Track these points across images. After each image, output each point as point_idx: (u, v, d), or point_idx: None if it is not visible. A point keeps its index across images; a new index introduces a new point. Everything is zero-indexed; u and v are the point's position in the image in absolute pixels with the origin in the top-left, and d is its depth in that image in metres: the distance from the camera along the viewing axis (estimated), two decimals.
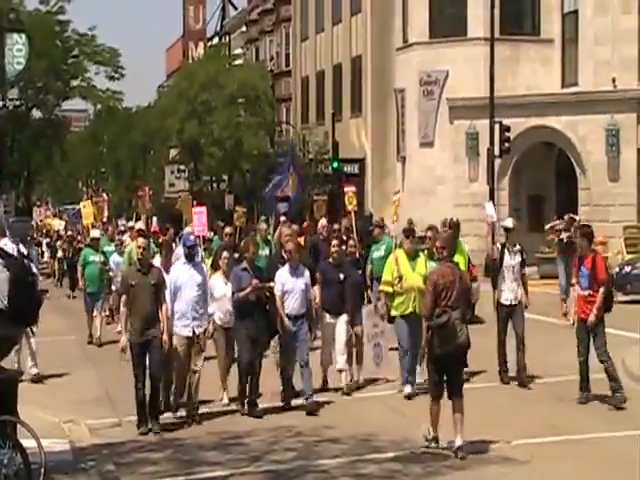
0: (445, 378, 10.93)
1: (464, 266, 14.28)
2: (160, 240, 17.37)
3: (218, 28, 74.03)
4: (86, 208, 29.55)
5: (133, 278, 12.45)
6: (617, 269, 26.00)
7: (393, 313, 14.09)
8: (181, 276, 12.86)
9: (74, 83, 60.28)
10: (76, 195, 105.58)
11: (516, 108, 35.74)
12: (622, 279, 25.29)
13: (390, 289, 13.98)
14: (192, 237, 13.28)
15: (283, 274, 13.59)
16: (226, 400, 13.63)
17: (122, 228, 35.79)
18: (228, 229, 17.72)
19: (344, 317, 14.43)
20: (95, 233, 22.72)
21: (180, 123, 52.95)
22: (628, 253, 30.12)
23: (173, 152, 64.47)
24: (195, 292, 12.79)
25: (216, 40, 72.25)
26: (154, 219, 40.15)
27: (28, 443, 8.77)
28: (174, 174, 63.36)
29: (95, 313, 20.77)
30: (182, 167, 60.72)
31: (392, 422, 12.58)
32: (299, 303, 13.47)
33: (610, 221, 33.61)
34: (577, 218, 24.55)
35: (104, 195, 26.49)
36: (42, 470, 8.83)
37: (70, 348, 19.81)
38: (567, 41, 37.91)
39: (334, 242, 14.99)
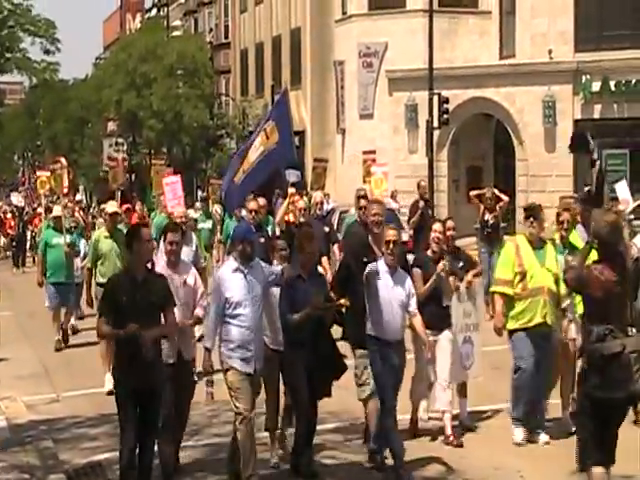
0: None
1: None
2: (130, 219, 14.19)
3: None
4: (41, 179, 25.93)
5: (123, 291, 8.07)
6: None
7: (511, 326, 10.31)
8: (235, 290, 8.72)
9: (9, 55, 59.26)
10: (11, 169, 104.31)
11: (455, 80, 35.91)
12: None
13: (510, 291, 10.23)
14: (249, 225, 9.47)
15: (378, 276, 9.13)
16: (276, 459, 9.92)
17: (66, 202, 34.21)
18: (253, 203, 13.28)
19: (447, 333, 10.47)
20: (57, 210, 18.36)
21: (118, 94, 52.46)
22: None
23: (111, 125, 63.83)
24: (257, 310, 8.84)
25: (154, 12, 71.51)
26: (117, 194, 37.43)
27: None
28: (112, 147, 62.76)
29: (63, 310, 16.91)
30: (120, 140, 60.16)
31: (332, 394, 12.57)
32: (399, 322, 9.29)
33: (547, 191, 33.97)
34: (504, 198, 19.74)
35: (62, 160, 22.30)
36: None
37: (6, 324, 19.48)
38: (505, 13, 38.12)
39: (436, 225, 10.63)
